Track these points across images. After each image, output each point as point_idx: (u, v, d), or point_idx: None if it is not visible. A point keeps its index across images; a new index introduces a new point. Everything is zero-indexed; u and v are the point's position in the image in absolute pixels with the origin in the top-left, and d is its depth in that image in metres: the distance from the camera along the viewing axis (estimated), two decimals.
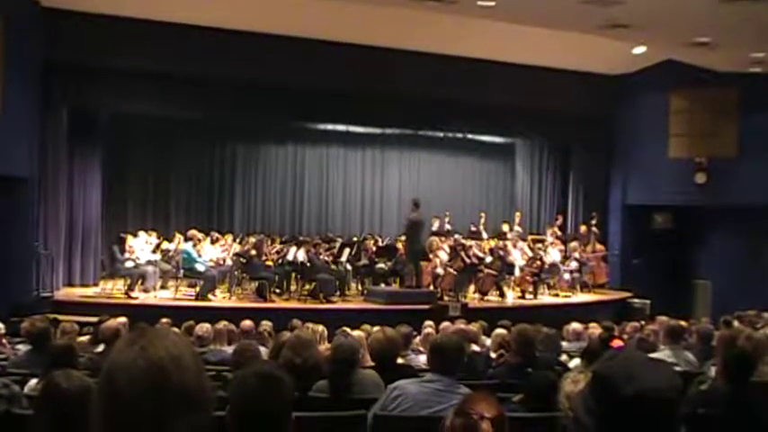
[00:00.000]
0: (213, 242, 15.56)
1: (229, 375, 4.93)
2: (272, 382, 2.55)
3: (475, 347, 8.42)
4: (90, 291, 14.78)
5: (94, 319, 9.48)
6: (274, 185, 19.74)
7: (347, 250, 15.62)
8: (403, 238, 15.76)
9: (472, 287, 16.11)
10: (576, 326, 9.64)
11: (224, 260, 14.93)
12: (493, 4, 12.53)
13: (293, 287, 15.16)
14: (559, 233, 18.55)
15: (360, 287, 16.00)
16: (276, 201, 19.79)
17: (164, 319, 10.00)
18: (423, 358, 7.16)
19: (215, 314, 10.95)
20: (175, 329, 8.41)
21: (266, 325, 9.53)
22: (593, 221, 18.26)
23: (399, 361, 6.43)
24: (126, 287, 13.95)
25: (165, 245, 15.29)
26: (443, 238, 16.63)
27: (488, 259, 16.13)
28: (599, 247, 18.20)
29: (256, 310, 12.64)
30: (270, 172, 19.69)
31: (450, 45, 15.94)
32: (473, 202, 20.76)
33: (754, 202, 16.43)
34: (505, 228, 18.29)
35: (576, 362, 7.05)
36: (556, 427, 3.66)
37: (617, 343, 6.28)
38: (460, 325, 9.48)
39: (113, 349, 1.57)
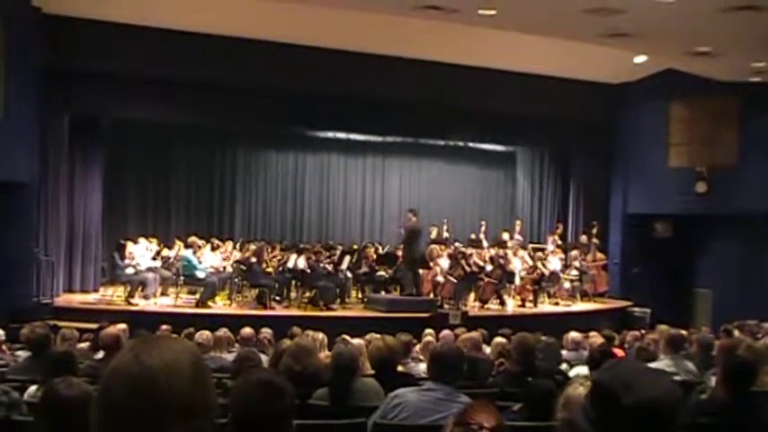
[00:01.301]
0: (213, 249, 15.56)
1: (229, 383, 4.93)
2: (273, 389, 2.55)
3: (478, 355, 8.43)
4: (90, 297, 14.79)
5: (94, 326, 9.47)
6: (275, 192, 19.76)
7: (348, 258, 15.61)
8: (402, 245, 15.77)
9: (472, 295, 16.09)
10: (575, 335, 9.62)
11: (224, 267, 14.92)
12: (494, 12, 12.55)
13: (293, 294, 15.13)
14: (560, 242, 18.54)
15: (360, 295, 16.00)
16: (276, 208, 19.81)
17: (164, 326, 10.00)
18: (423, 366, 7.16)
19: (215, 321, 10.97)
20: (178, 337, 8.42)
21: (266, 332, 9.52)
22: (594, 230, 18.25)
23: (400, 368, 6.44)
24: (126, 294, 13.94)
25: (165, 252, 15.29)
26: (443, 247, 16.63)
27: (489, 268, 16.11)
28: (599, 255, 18.19)
29: (256, 317, 12.65)
30: (270, 179, 19.72)
31: (451, 53, 15.97)
32: (473, 211, 20.77)
33: (754, 210, 16.42)
34: (506, 236, 18.28)
35: (575, 370, 7.05)
36: None
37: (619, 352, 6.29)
38: (466, 333, 9.46)
39: (117, 354, 1.58)
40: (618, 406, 1.68)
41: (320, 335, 8.01)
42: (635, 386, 1.69)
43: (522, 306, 16.32)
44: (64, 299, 14.34)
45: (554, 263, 17.18)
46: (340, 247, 16.68)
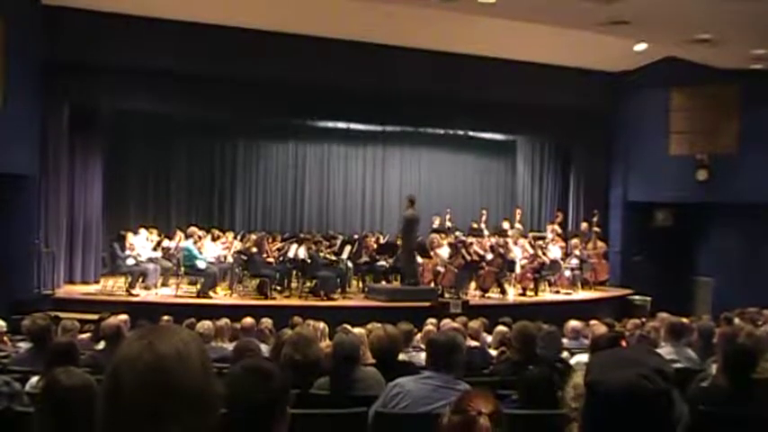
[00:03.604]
0: (214, 239, 15.57)
1: None
2: (259, 374, 2.57)
3: (474, 343, 8.44)
4: (91, 288, 14.80)
5: (95, 317, 9.49)
6: (275, 183, 19.77)
7: (348, 247, 15.63)
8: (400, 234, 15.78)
9: (473, 284, 16.12)
10: (576, 323, 9.63)
11: (225, 257, 14.94)
12: (493, 1, 12.52)
13: (294, 284, 15.18)
14: (560, 230, 18.53)
15: (361, 284, 16.02)
16: (277, 198, 19.81)
17: (165, 317, 10.01)
18: (424, 355, 7.16)
19: (216, 311, 10.99)
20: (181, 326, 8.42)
21: (267, 322, 9.54)
22: (594, 218, 18.25)
23: (402, 357, 6.44)
24: (127, 284, 13.97)
25: (165, 242, 15.30)
26: (444, 236, 16.64)
27: (489, 256, 16.13)
28: (600, 244, 18.19)
29: (257, 307, 12.69)
30: (271, 169, 19.72)
31: (450, 42, 15.94)
32: (474, 200, 20.78)
33: (754, 198, 16.41)
34: (506, 225, 18.28)
35: (576, 358, 7.07)
36: (553, 424, 3.66)
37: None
38: (454, 323, 9.47)
39: (124, 342, 1.58)
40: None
41: (321, 324, 8.02)
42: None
43: (523, 295, 16.34)
44: (65, 290, 14.37)
45: (554, 251, 17.20)
46: (340, 237, 16.70)
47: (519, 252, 16.65)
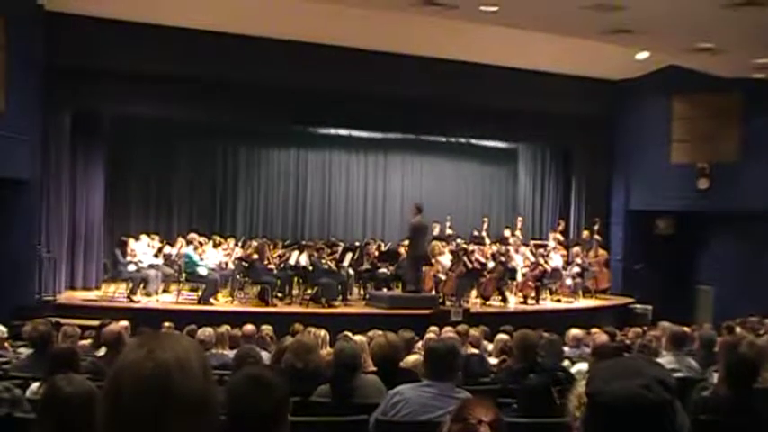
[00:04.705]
0: (216, 246, 15.57)
1: None
2: (261, 383, 2.56)
3: (474, 351, 8.43)
4: (92, 294, 14.79)
5: (96, 323, 9.48)
6: (277, 190, 19.74)
7: (349, 255, 15.61)
8: (406, 242, 15.76)
9: (474, 292, 16.09)
10: (577, 331, 9.62)
11: (226, 264, 14.93)
12: (495, 9, 12.54)
13: (295, 291, 15.17)
14: (562, 238, 18.52)
15: (362, 292, 16.00)
16: (278, 205, 19.79)
17: (166, 323, 10.01)
18: None
19: (217, 318, 10.99)
20: (181, 333, 8.42)
21: (268, 329, 9.53)
22: (596, 227, 18.23)
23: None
24: (128, 291, 13.96)
25: (167, 249, 15.29)
26: (445, 243, 16.63)
27: (490, 264, 16.12)
28: (601, 252, 18.16)
29: (258, 314, 12.67)
30: (272, 176, 19.70)
31: (452, 50, 15.96)
32: (475, 207, 20.77)
33: (756, 207, 16.39)
34: (507, 233, 18.27)
35: (577, 367, 7.06)
36: None
37: None
38: (450, 331, 9.46)
39: (125, 350, 1.58)
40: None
41: (322, 332, 8.02)
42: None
43: (524, 303, 16.33)
44: (66, 296, 14.36)
45: (556, 259, 17.18)
46: (342, 244, 16.68)
47: (520, 260, 16.65)
